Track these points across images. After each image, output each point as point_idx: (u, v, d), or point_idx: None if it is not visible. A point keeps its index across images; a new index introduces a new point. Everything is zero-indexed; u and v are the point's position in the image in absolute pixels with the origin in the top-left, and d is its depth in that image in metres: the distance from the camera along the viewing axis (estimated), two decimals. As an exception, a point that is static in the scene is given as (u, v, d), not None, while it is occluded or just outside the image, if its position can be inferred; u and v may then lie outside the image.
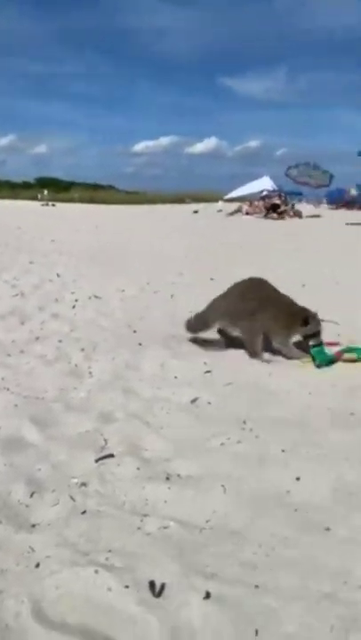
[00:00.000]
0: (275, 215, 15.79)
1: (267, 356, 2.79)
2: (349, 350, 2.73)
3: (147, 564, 1.23)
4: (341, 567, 1.23)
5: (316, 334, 2.70)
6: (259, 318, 2.71)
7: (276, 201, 16.35)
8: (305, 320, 2.69)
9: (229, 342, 2.89)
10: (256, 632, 1.05)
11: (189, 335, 3.00)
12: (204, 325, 2.89)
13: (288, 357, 2.77)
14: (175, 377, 2.53)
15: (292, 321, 2.72)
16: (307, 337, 2.72)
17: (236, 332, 2.80)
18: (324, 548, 1.30)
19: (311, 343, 2.70)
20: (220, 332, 2.92)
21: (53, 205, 26.23)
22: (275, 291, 2.82)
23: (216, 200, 25.04)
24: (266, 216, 16.93)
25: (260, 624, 1.07)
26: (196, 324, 2.92)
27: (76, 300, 4.15)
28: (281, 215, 15.73)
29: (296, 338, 2.79)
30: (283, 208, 16.25)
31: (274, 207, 16.12)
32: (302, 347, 2.78)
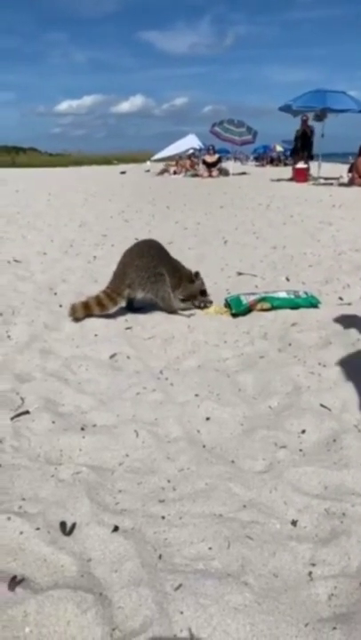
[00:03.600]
0: (205, 174, 15.75)
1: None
2: (263, 299, 2.85)
3: (58, 508, 1.28)
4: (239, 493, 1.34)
5: (203, 292, 2.94)
6: (163, 274, 2.76)
7: (210, 158, 16.23)
8: (191, 277, 2.89)
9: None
10: (160, 556, 1.14)
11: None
12: (114, 303, 2.75)
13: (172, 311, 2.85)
14: (95, 335, 2.56)
15: (183, 277, 2.88)
16: (197, 294, 2.92)
17: (148, 295, 2.78)
18: (227, 479, 1.40)
19: (202, 299, 2.93)
20: (128, 301, 2.86)
21: (-28, 171, 24.87)
22: (165, 250, 2.90)
23: (144, 160, 24.66)
24: (194, 175, 16.86)
25: (164, 550, 1.16)
26: (106, 304, 2.74)
27: (-5, 266, 4.04)
28: (211, 173, 15.71)
29: (185, 295, 2.92)
30: (220, 165, 16.18)
31: (214, 164, 15.99)
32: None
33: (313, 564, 1.13)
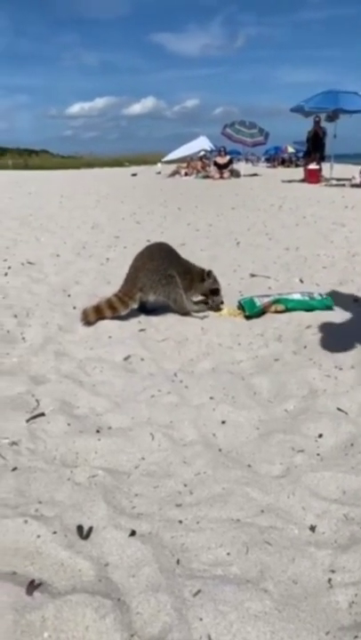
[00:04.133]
0: (216, 175, 15.73)
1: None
2: (277, 301, 2.83)
3: (75, 511, 1.27)
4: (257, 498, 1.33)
5: (215, 291, 2.91)
6: (174, 276, 2.76)
7: (221, 160, 16.19)
8: (202, 276, 2.88)
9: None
10: (178, 561, 1.13)
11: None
12: (126, 306, 2.73)
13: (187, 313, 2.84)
14: (109, 337, 2.56)
15: (194, 278, 2.87)
16: (208, 294, 2.91)
17: (160, 298, 2.77)
18: (244, 484, 1.39)
19: (214, 299, 2.91)
20: (141, 304, 2.83)
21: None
22: (175, 252, 2.89)
23: (156, 162, 24.69)
24: (205, 176, 16.85)
25: (181, 555, 1.15)
26: (118, 307, 2.74)
27: (9, 268, 4.06)
28: (222, 175, 15.69)
29: (197, 296, 2.94)
30: (231, 167, 16.15)
31: (225, 165, 15.96)
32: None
33: (333, 571, 1.11)
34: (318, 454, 1.55)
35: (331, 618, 1.00)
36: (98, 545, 1.18)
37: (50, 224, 6.65)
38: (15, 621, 0.96)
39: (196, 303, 2.93)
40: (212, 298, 2.92)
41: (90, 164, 30.62)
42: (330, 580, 1.09)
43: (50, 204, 9.27)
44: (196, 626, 0.96)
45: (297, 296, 2.92)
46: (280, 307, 2.80)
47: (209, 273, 2.89)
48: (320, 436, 1.63)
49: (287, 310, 2.80)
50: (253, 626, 0.96)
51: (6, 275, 3.85)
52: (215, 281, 2.91)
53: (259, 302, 2.81)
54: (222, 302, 2.93)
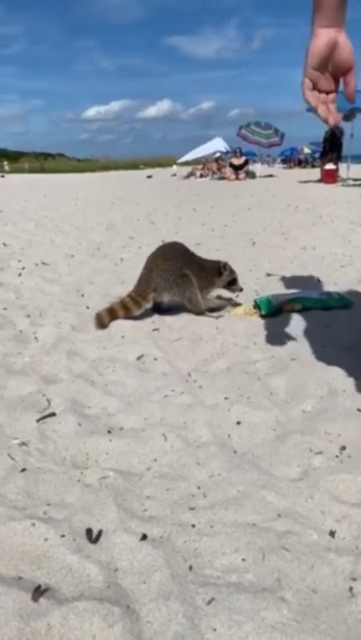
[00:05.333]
0: (232, 177, 15.68)
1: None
2: (294, 300, 2.77)
3: (85, 514, 1.23)
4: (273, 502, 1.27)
5: (233, 281, 2.89)
6: (189, 276, 2.71)
7: (237, 161, 16.14)
8: (219, 270, 2.83)
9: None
10: (190, 567, 1.08)
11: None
12: (139, 307, 2.69)
13: (213, 310, 2.84)
14: (122, 336, 2.51)
15: (209, 274, 2.83)
16: (226, 286, 2.89)
17: (175, 298, 2.73)
18: (261, 487, 1.33)
19: (233, 288, 2.91)
20: (155, 304, 2.80)
21: (2, 177, 25.44)
22: (189, 251, 2.85)
23: (171, 165, 24.72)
24: (221, 178, 16.81)
25: (194, 560, 1.10)
26: (131, 307, 2.70)
27: (23, 268, 4.05)
28: (238, 176, 15.63)
29: (216, 290, 2.91)
30: (246, 168, 16.11)
31: (241, 167, 15.92)
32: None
33: (354, 579, 1.05)
34: (337, 456, 1.49)
35: (353, 629, 0.94)
36: (107, 549, 1.13)
37: (65, 225, 6.66)
38: (20, 629, 0.92)
39: (218, 298, 2.92)
40: (231, 288, 2.91)
41: (105, 167, 30.80)
42: (351, 588, 1.03)
43: (65, 205, 9.29)
44: (209, 636, 0.91)
45: (314, 295, 2.85)
46: (297, 306, 2.73)
47: (225, 265, 2.85)
48: (339, 437, 1.57)
49: (304, 309, 2.74)
50: (270, 637, 0.90)
51: (20, 275, 3.83)
52: (232, 272, 2.87)
53: (275, 301, 2.75)
54: (241, 289, 2.93)
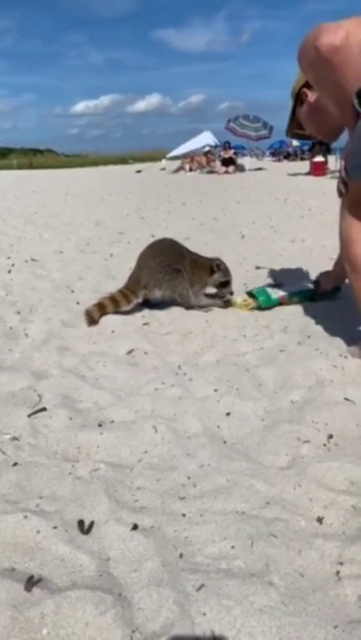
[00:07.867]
0: (221, 170, 15.66)
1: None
2: (293, 295, 2.79)
3: (76, 506, 1.24)
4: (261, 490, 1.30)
5: (225, 284, 2.79)
6: (180, 270, 2.70)
7: (225, 154, 16.13)
8: (211, 268, 2.75)
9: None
10: (181, 555, 1.10)
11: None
12: (129, 302, 2.69)
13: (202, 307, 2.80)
14: (112, 331, 2.53)
15: (201, 271, 2.76)
16: (218, 286, 2.80)
17: (166, 293, 2.73)
18: (249, 475, 1.36)
19: (223, 291, 2.80)
20: (146, 300, 2.80)
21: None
22: (180, 246, 2.84)
23: (160, 159, 24.66)
24: (210, 172, 16.80)
25: (185, 549, 1.12)
26: (121, 302, 2.69)
27: (12, 265, 4.04)
28: (227, 169, 15.62)
29: (209, 289, 2.83)
30: (236, 161, 16.11)
31: (230, 160, 15.92)
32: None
33: (341, 563, 1.08)
34: (325, 445, 1.51)
35: (339, 611, 0.96)
36: (99, 539, 1.15)
37: (54, 221, 6.64)
38: (13, 618, 0.94)
39: (208, 296, 2.84)
40: (221, 290, 2.81)
41: (95, 163, 30.66)
42: (338, 572, 1.06)
43: (54, 201, 9.26)
44: (199, 621, 0.93)
45: (304, 287, 2.88)
46: (296, 299, 2.77)
47: (218, 265, 2.75)
48: (326, 425, 1.59)
49: (298, 302, 2.77)
50: (259, 620, 0.92)
51: (9, 272, 3.83)
52: (225, 273, 2.77)
53: (275, 295, 2.75)
54: (232, 293, 2.83)
